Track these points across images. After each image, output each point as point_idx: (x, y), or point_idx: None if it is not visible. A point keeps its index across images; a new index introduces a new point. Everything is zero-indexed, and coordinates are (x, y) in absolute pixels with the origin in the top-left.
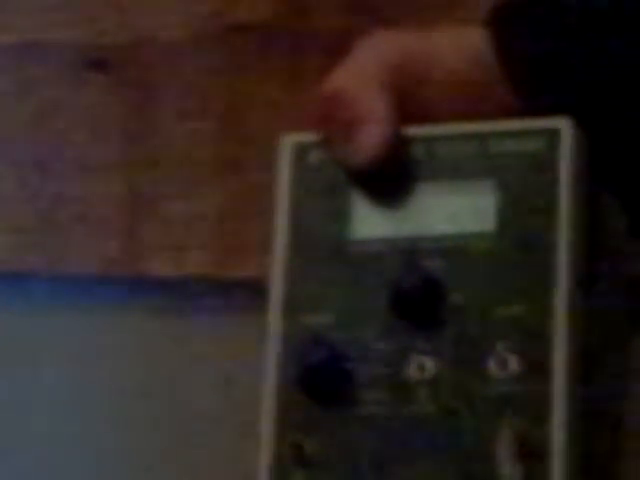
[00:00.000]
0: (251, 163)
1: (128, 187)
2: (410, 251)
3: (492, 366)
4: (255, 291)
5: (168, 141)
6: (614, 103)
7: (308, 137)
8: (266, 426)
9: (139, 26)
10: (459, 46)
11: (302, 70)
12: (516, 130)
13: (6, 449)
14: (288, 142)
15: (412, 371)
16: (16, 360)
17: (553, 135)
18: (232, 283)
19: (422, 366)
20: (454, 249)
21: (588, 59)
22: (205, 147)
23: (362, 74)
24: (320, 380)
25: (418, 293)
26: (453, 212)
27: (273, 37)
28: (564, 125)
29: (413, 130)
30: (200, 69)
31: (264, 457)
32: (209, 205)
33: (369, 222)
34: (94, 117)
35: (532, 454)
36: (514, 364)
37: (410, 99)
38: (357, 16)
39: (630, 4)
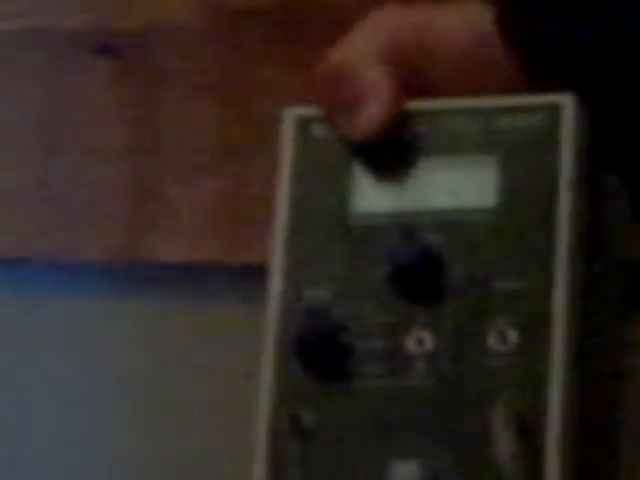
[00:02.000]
0: (256, 148)
1: (135, 173)
2: (410, 225)
3: (491, 340)
4: (259, 278)
5: (174, 127)
6: (620, 82)
7: (311, 111)
8: (264, 397)
9: (146, 12)
10: (463, 22)
11: (306, 54)
12: (519, 106)
13: (5, 435)
14: (291, 116)
15: (411, 344)
16: (15, 346)
17: (556, 111)
18: (236, 269)
19: (421, 340)
20: (455, 223)
21: (594, 37)
22: (212, 132)
23: (365, 49)
24: (318, 352)
25: (417, 267)
26: (454, 187)
27: (277, 22)
28: (567, 101)
29: (416, 104)
30: (208, 53)
31: (261, 428)
32: (212, 191)
33: (370, 196)
34: (102, 102)
35: (529, 431)
36: (513, 338)
37: (413, 73)
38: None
39: None
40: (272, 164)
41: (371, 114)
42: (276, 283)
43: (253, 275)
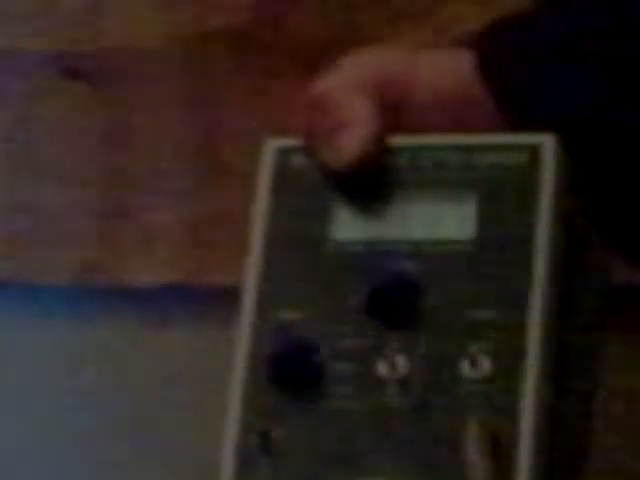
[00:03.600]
0: (231, 171)
1: (104, 196)
2: (388, 253)
3: (464, 366)
4: (230, 301)
5: (144, 149)
6: (596, 125)
7: (291, 142)
8: (233, 414)
9: (115, 36)
10: (444, 67)
11: (276, 76)
12: (500, 144)
13: None
14: (271, 146)
15: (383, 368)
16: None
17: (536, 150)
18: (208, 292)
19: (394, 364)
20: (432, 253)
21: (570, 83)
22: (183, 155)
23: (346, 82)
24: (287, 370)
25: (392, 293)
26: (433, 218)
27: (247, 44)
28: (547, 141)
29: (398, 139)
30: (176, 77)
31: (229, 443)
32: (186, 213)
33: (349, 224)
34: (71, 125)
35: (500, 450)
36: (486, 365)
37: (395, 109)
38: (332, 25)
39: (603, 27)
40: (246, 189)
41: (352, 143)
42: (249, 303)
43: (224, 298)
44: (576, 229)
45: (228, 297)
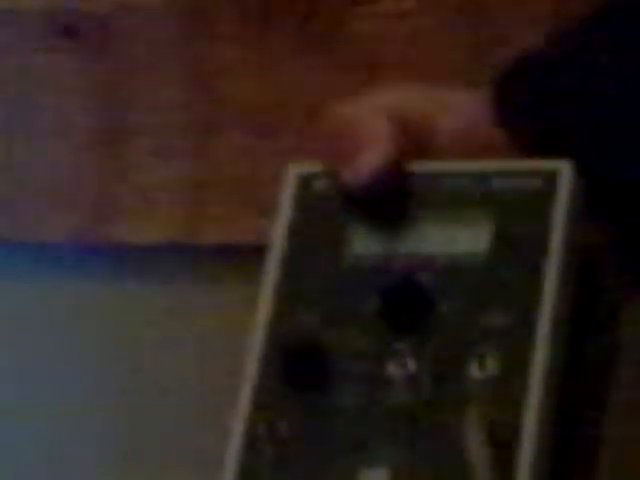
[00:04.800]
0: (224, 129)
1: (97, 154)
2: (402, 264)
3: (472, 367)
4: (227, 258)
5: (138, 109)
6: (612, 163)
7: (312, 168)
8: (242, 403)
9: None
10: (461, 108)
11: (272, 34)
12: (516, 169)
13: None
14: (293, 172)
15: (393, 368)
16: None
17: (552, 175)
18: (202, 250)
19: (403, 364)
20: (445, 265)
21: (587, 124)
22: (177, 114)
23: (367, 108)
24: (298, 367)
25: (404, 297)
26: (449, 236)
27: (245, 4)
28: (563, 167)
29: (417, 165)
30: (171, 36)
31: (236, 432)
32: (184, 172)
33: (366, 240)
34: (63, 84)
35: (501, 440)
36: (493, 367)
37: (414, 139)
38: None
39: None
40: (244, 150)
41: (370, 165)
42: (264, 309)
43: (220, 256)
44: (590, 252)
45: (224, 255)
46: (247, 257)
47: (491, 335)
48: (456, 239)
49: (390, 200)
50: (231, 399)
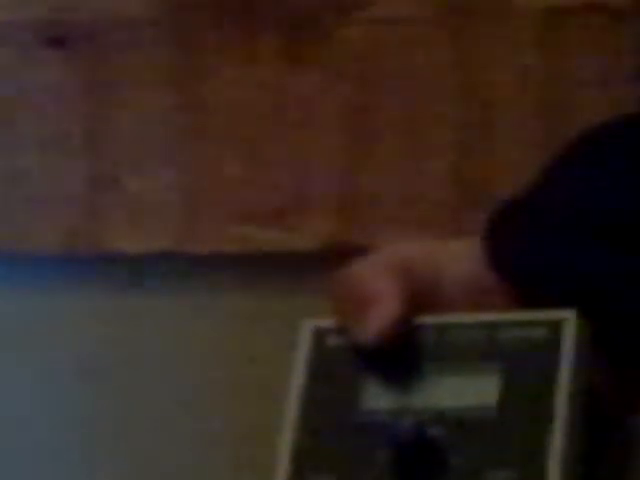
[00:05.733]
0: (212, 136)
1: (89, 164)
2: (412, 420)
3: None
4: (219, 267)
5: (127, 117)
6: (606, 300)
7: (326, 323)
8: None
9: (98, 3)
10: (462, 258)
11: (256, 43)
12: (522, 320)
13: None
14: (307, 327)
15: None
16: None
17: (557, 325)
18: (195, 259)
19: None
20: (455, 419)
21: (580, 266)
22: (166, 121)
23: (376, 266)
24: None
25: (414, 454)
26: (457, 389)
27: (226, 12)
28: (568, 316)
29: (425, 318)
30: (158, 45)
31: None
32: (172, 181)
33: (377, 395)
34: (54, 93)
35: None
36: None
37: (419, 297)
38: None
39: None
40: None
41: (378, 321)
42: (282, 469)
43: (208, 264)
44: (596, 400)
45: (213, 264)
46: (239, 265)
47: None
48: (465, 392)
49: (399, 355)
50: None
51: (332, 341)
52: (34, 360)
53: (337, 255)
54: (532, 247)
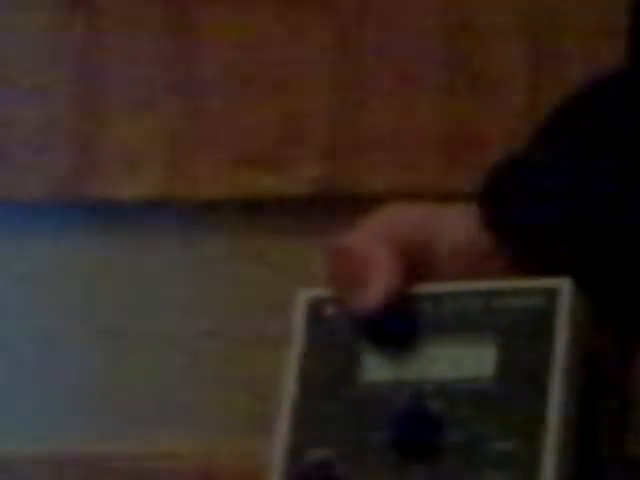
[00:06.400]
0: (203, 86)
1: (81, 107)
2: (411, 392)
3: None
4: (207, 212)
5: (119, 60)
6: (618, 263)
7: (323, 292)
8: None
9: None
10: (460, 223)
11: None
12: (518, 288)
13: None
14: (303, 297)
15: None
16: None
17: (553, 294)
18: (184, 204)
19: None
20: (453, 391)
21: (575, 225)
22: (156, 65)
23: (372, 235)
24: None
25: (413, 428)
26: (455, 360)
27: None
28: (564, 284)
29: (421, 287)
30: None
31: None
32: (161, 125)
33: (375, 367)
34: (45, 39)
35: None
36: None
37: (416, 265)
38: None
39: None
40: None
41: (375, 291)
42: (280, 444)
43: (200, 211)
44: (595, 366)
45: (210, 211)
46: (232, 212)
47: (499, 461)
48: (461, 363)
49: (396, 325)
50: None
51: (328, 312)
52: (23, 303)
53: (326, 199)
54: (532, 201)
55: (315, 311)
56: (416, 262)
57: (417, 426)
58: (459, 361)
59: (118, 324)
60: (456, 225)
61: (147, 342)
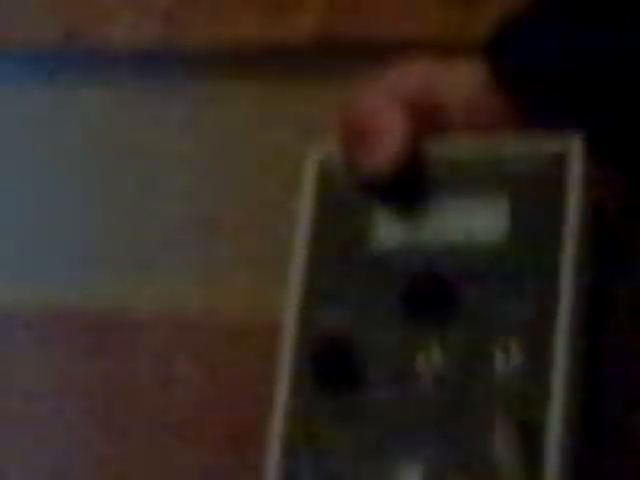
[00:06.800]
0: None
1: None
2: (425, 254)
3: (497, 360)
4: (208, 60)
5: None
6: (612, 110)
7: (332, 153)
8: (278, 411)
9: None
10: (474, 76)
11: None
12: (530, 152)
13: None
14: (313, 158)
15: (420, 363)
16: None
17: (564, 154)
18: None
19: (430, 358)
20: (465, 252)
21: (594, 73)
22: None
23: (384, 93)
24: (329, 370)
25: (425, 287)
26: (467, 221)
27: None
28: (574, 142)
29: (434, 147)
30: None
31: (275, 436)
32: None
33: (387, 229)
34: None
35: (529, 435)
36: (519, 358)
37: (429, 120)
38: None
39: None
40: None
41: (386, 149)
42: (292, 310)
43: (202, 61)
44: (607, 222)
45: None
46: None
47: (513, 322)
48: (474, 224)
49: (407, 186)
50: None
51: (338, 172)
52: (36, 155)
53: (327, 48)
54: (536, 59)
55: (324, 172)
56: (430, 122)
57: (431, 285)
58: (471, 222)
59: None
60: (472, 80)
61: None
